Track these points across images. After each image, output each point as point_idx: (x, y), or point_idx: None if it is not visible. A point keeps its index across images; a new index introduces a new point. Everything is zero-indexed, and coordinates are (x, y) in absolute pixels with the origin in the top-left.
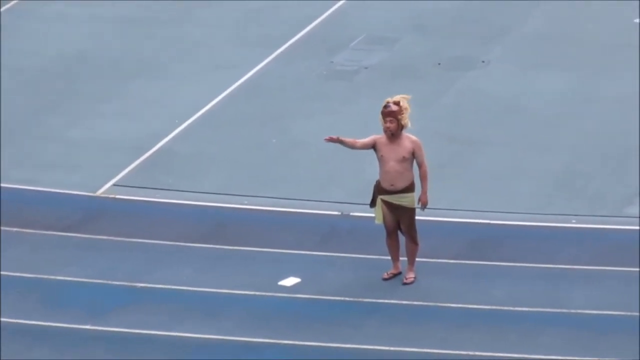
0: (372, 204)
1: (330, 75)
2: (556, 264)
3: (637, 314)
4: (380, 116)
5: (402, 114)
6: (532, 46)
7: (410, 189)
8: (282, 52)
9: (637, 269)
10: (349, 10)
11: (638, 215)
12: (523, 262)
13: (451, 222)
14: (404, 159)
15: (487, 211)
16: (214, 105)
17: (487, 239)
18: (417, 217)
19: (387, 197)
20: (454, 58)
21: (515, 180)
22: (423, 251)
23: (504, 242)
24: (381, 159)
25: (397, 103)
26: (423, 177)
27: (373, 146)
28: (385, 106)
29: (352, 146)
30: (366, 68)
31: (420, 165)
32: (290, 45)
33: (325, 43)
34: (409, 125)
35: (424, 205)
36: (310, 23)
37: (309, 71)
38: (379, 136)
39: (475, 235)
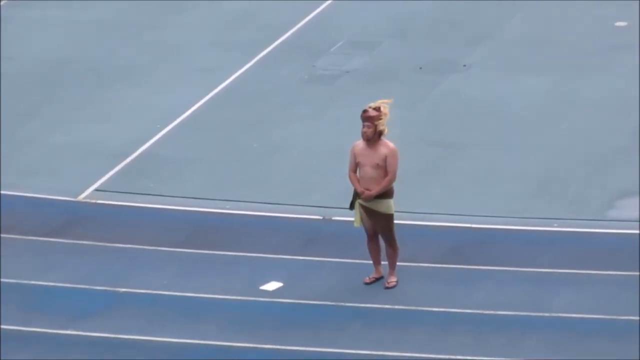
0: (352, 206)
1: (312, 80)
2: (538, 268)
3: (619, 317)
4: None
5: (380, 119)
6: (512, 50)
7: (385, 195)
8: (263, 57)
9: (619, 273)
10: (330, 14)
11: (619, 219)
12: (505, 266)
13: (433, 226)
14: (377, 166)
15: (469, 215)
16: (195, 110)
17: (468, 242)
18: (399, 222)
19: (363, 202)
20: (434, 62)
21: (497, 184)
22: (405, 255)
23: (486, 246)
24: (358, 165)
25: (376, 108)
26: (384, 182)
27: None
28: (365, 110)
29: (357, 179)
30: (347, 72)
31: (388, 173)
32: (272, 50)
33: (306, 47)
34: (387, 131)
35: (363, 194)
36: (291, 27)
37: (290, 75)
38: (357, 142)
39: (456, 239)
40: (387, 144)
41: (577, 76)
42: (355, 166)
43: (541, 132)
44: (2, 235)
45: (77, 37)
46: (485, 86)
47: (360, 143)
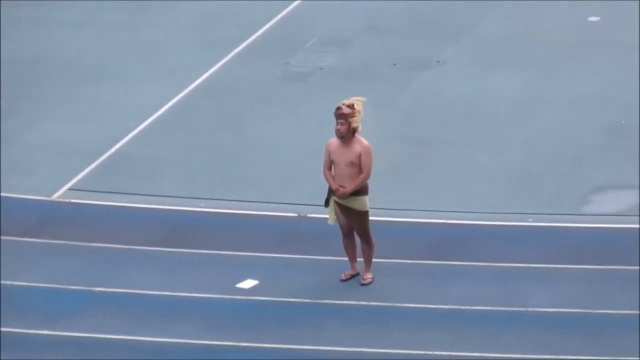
0: (326, 204)
1: (286, 77)
2: (514, 263)
3: (595, 311)
4: None
5: (354, 116)
6: (487, 46)
7: (360, 192)
8: (237, 54)
9: (595, 267)
10: (304, 11)
11: (595, 214)
12: (481, 262)
13: (409, 222)
14: (351, 164)
15: (445, 211)
16: (169, 108)
17: (444, 239)
18: (375, 218)
19: (338, 199)
20: (409, 58)
21: (472, 180)
22: (381, 252)
23: (462, 242)
24: (333, 162)
25: (350, 106)
26: (359, 179)
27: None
28: (338, 108)
29: (332, 177)
30: (321, 69)
31: (363, 170)
32: (245, 47)
33: (280, 45)
34: (360, 128)
35: (337, 192)
36: (264, 25)
37: (264, 73)
38: (331, 139)
39: (433, 235)
40: (361, 141)
41: (551, 72)
42: (330, 163)
43: (516, 128)
44: None
45: (52, 35)
46: (460, 83)
47: (334, 140)
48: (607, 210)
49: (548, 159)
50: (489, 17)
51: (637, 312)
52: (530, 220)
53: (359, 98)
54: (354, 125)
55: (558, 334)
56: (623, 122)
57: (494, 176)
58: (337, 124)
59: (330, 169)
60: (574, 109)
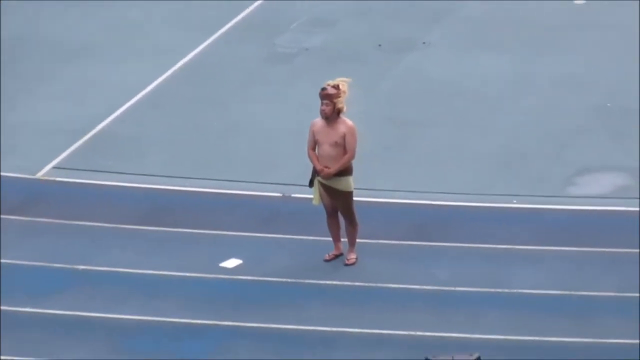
0: (311, 184)
1: (271, 58)
2: (498, 245)
3: (578, 293)
4: None
5: (339, 97)
6: (472, 28)
7: (344, 172)
8: (223, 34)
9: (578, 249)
10: None
11: (578, 195)
12: (465, 243)
13: (393, 203)
14: (336, 144)
15: (429, 192)
16: (154, 88)
17: (429, 220)
18: (359, 199)
19: (322, 180)
20: (394, 40)
21: (457, 162)
22: (365, 232)
23: (446, 223)
24: (317, 142)
25: (335, 86)
26: (343, 159)
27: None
28: (323, 88)
29: (316, 157)
30: (307, 50)
31: (347, 151)
32: (231, 27)
33: (266, 25)
34: (345, 109)
35: (322, 172)
36: (251, 5)
37: (250, 53)
38: (316, 120)
39: (417, 216)
40: (346, 121)
41: (536, 54)
42: (314, 144)
43: (501, 109)
44: None
45: (35, 14)
46: (446, 64)
47: (318, 121)
48: (591, 192)
49: (533, 141)
50: None
51: (621, 294)
52: (515, 201)
53: (344, 79)
54: (339, 106)
55: (541, 315)
56: (608, 104)
57: (479, 157)
58: (322, 104)
59: (314, 149)
60: (559, 91)
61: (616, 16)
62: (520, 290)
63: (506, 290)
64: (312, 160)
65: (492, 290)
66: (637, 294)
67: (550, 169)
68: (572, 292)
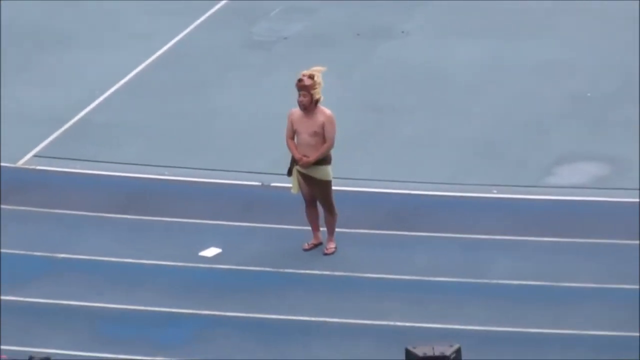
0: (289, 173)
1: (250, 45)
2: (476, 234)
3: (557, 284)
4: None
5: (315, 88)
6: (450, 14)
7: (323, 161)
8: (201, 22)
9: (557, 239)
10: None
11: (557, 185)
12: (444, 232)
13: (371, 192)
14: (315, 133)
15: (408, 181)
16: (133, 75)
17: (407, 208)
18: (338, 188)
19: (301, 169)
20: (372, 28)
21: (435, 149)
22: (343, 221)
23: (425, 212)
24: (296, 132)
25: (311, 77)
26: (322, 148)
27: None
28: (299, 80)
29: (295, 146)
30: (285, 38)
31: (326, 140)
32: (210, 15)
33: (244, 12)
34: (322, 98)
35: (301, 161)
36: None
37: (228, 41)
38: (294, 109)
39: (395, 205)
40: (324, 111)
41: (515, 40)
42: (293, 133)
43: (479, 97)
44: None
45: (12, 3)
46: (423, 51)
47: (296, 111)
48: (570, 181)
49: (512, 128)
50: None
51: (600, 285)
52: (495, 191)
53: (319, 68)
54: (316, 96)
55: (520, 305)
56: (588, 94)
57: (457, 145)
58: (300, 95)
59: (293, 138)
60: (538, 77)
61: (596, 1)
62: (499, 281)
63: (486, 281)
64: (290, 149)
65: (472, 280)
66: (616, 284)
67: (529, 157)
68: (551, 283)
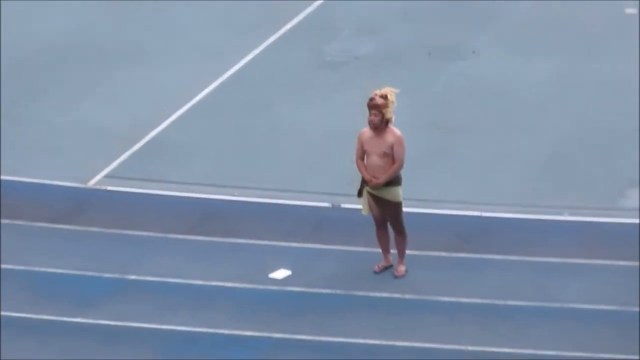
0: (359, 194)
1: (320, 65)
2: (547, 257)
3: (629, 308)
4: None
5: (387, 107)
6: (520, 32)
7: (393, 182)
8: (273, 41)
9: (629, 263)
10: (338, 0)
11: (629, 208)
12: (514, 255)
13: (441, 214)
14: (384, 154)
15: (478, 203)
16: (204, 95)
17: (477, 230)
18: (408, 209)
19: (371, 190)
20: (443, 46)
21: (506, 170)
22: (413, 243)
23: (494, 234)
24: (365, 153)
25: (383, 96)
26: (391, 169)
27: (362, 144)
28: (371, 99)
29: (365, 167)
30: (356, 58)
31: (395, 161)
32: (282, 34)
33: (315, 32)
34: (394, 119)
35: (370, 182)
36: (299, 13)
37: (298, 61)
38: (364, 130)
39: (465, 227)
40: (394, 131)
41: (585, 59)
42: (363, 154)
43: (549, 116)
44: (10, 221)
45: (83, 19)
46: (493, 69)
47: (367, 131)
48: None
49: (582, 148)
50: (523, 3)
51: None
52: (565, 213)
53: (392, 89)
54: (387, 116)
55: (591, 331)
56: None
57: (527, 165)
58: (371, 114)
59: (362, 159)
60: (608, 97)
61: None
62: (570, 305)
63: (557, 305)
64: (360, 170)
65: (542, 304)
66: None
67: (600, 179)
68: (624, 308)
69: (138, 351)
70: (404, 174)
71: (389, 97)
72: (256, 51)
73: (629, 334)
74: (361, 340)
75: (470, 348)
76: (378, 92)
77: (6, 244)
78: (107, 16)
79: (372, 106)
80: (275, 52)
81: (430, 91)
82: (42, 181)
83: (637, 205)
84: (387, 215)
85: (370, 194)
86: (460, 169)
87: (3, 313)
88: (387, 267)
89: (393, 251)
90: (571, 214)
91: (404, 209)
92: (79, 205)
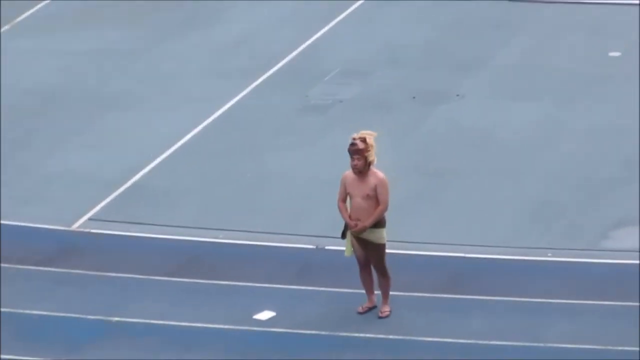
0: (343, 235)
1: (305, 109)
2: (533, 298)
3: (614, 347)
4: None
5: (369, 151)
6: (505, 77)
7: (378, 225)
8: (256, 86)
9: (614, 303)
10: (323, 44)
11: (614, 249)
12: (499, 296)
13: (427, 255)
14: (368, 196)
15: (462, 244)
16: (188, 139)
17: (462, 272)
18: (392, 251)
19: (355, 232)
20: (428, 91)
21: (490, 212)
22: (399, 285)
23: (480, 275)
24: (349, 195)
25: (363, 140)
26: (376, 212)
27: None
28: (352, 144)
29: (346, 209)
30: (341, 102)
31: (379, 203)
32: (265, 79)
33: (299, 77)
34: (376, 161)
35: (355, 227)
36: (284, 57)
37: (283, 105)
38: (347, 172)
39: (451, 268)
40: (377, 173)
41: (570, 104)
42: (345, 196)
43: (534, 160)
44: None
45: (69, 66)
46: (478, 114)
47: (350, 174)
48: (626, 245)
49: (566, 192)
50: (507, 49)
51: None
52: (550, 254)
53: (370, 132)
54: (370, 159)
55: None
56: None
57: (512, 208)
58: (353, 159)
59: (344, 201)
60: (592, 141)
61: None
62: (556, 344)
63: (542, 344)
64: (342, 214)
65: (528, 344)
66: None
67: (584, 221)
68: (609, 347)
69: None
70: (388, 216)
71: (367, 140)
72: (241, 95)
73: None
74: None
75: None
76: (356, 135)
77: None
78: (91, 63)
79: (354, 151)
80: (260, 95)
81: (416, 135)
82: (27, 224)
83: (620, 247)
84: (371, 257)
85: (354, 236)
86: (446, 212)
87: None
88: (372, 308)
89: (377, 292)
90: (555, 255)
91: (388, 251)
92: (64, 248)
